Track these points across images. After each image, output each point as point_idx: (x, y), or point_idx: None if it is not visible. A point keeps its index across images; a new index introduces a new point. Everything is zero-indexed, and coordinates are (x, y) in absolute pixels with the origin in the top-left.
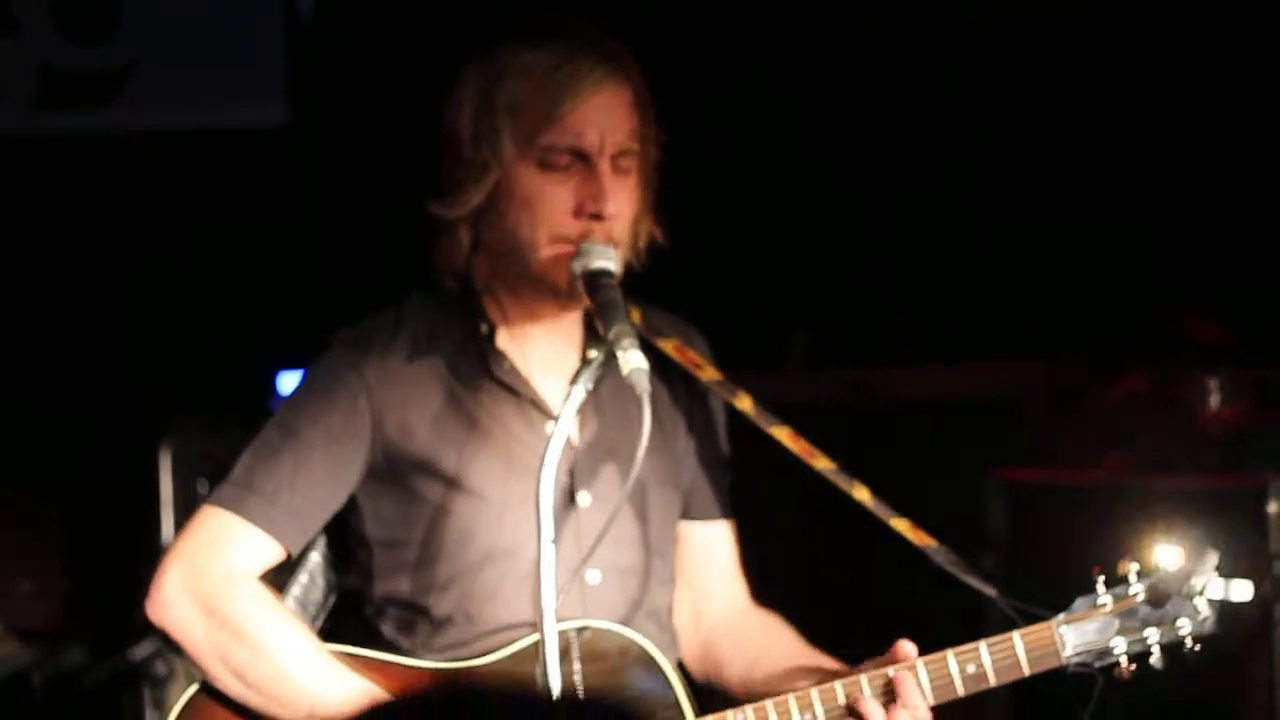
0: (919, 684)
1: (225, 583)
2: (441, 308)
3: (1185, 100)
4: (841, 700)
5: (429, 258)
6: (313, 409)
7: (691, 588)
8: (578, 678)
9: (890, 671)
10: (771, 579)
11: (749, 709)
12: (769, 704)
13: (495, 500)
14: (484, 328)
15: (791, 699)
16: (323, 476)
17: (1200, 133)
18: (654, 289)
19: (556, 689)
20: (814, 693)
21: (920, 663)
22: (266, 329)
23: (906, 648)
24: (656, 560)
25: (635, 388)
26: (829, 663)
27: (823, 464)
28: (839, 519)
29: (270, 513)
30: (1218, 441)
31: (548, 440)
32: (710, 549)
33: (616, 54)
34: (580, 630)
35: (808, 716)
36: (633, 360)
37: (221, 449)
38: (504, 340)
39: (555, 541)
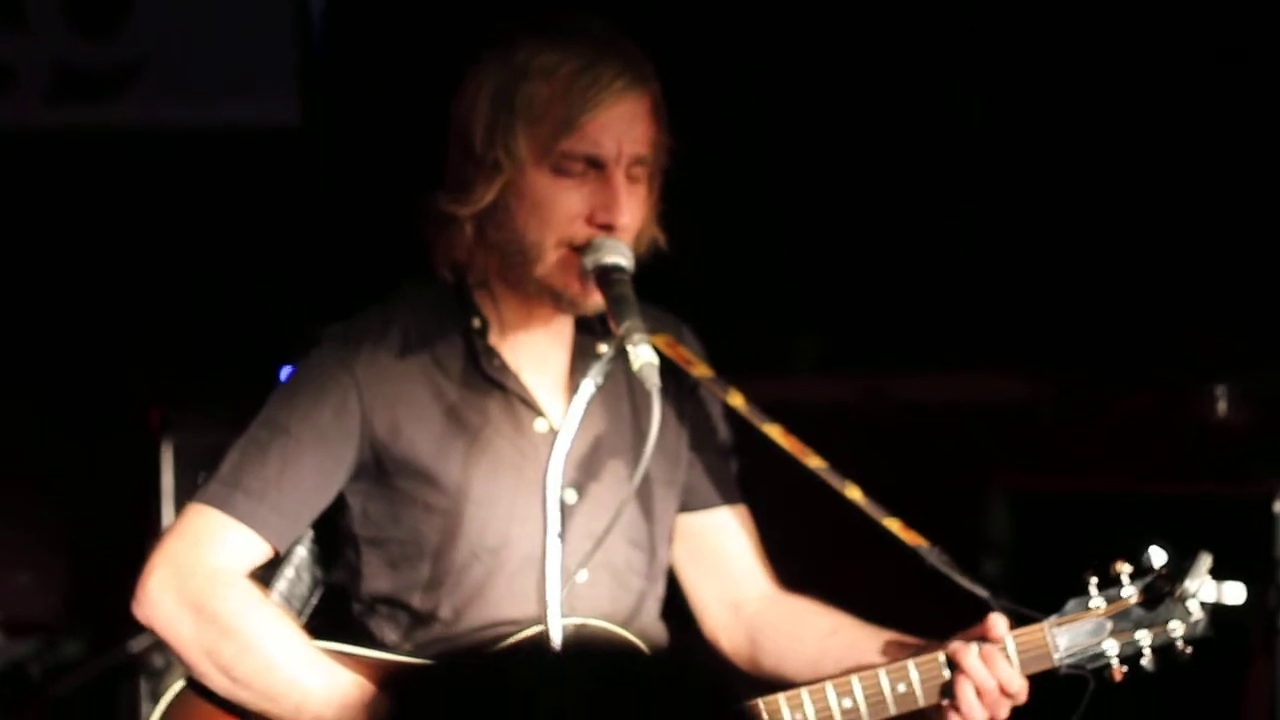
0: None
1: (213, 580)
2: (433, 301)
3: (1191, 112)
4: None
5: (426, 249)
6: (302, 406)
7: (718, 578)
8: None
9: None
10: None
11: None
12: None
13: (484, 498)
14: (476, 323)
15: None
16: (311, 474)
17: (1209, 146)
18: (662, 290)
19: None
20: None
21: (911, 663)
22: (273, 325)
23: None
24: (644, 556)
25: (646, 383)
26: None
27: (815, 462)
28: (840, 517)
29: (258, 510)
30: (1225, 450)
31: (540, 437)
32: (723, 535)
33: (638, 60)
34: (575, 628)
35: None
36: (643, 355)
37: (224, 443)
38: (495, 336)
39: (559, 538)
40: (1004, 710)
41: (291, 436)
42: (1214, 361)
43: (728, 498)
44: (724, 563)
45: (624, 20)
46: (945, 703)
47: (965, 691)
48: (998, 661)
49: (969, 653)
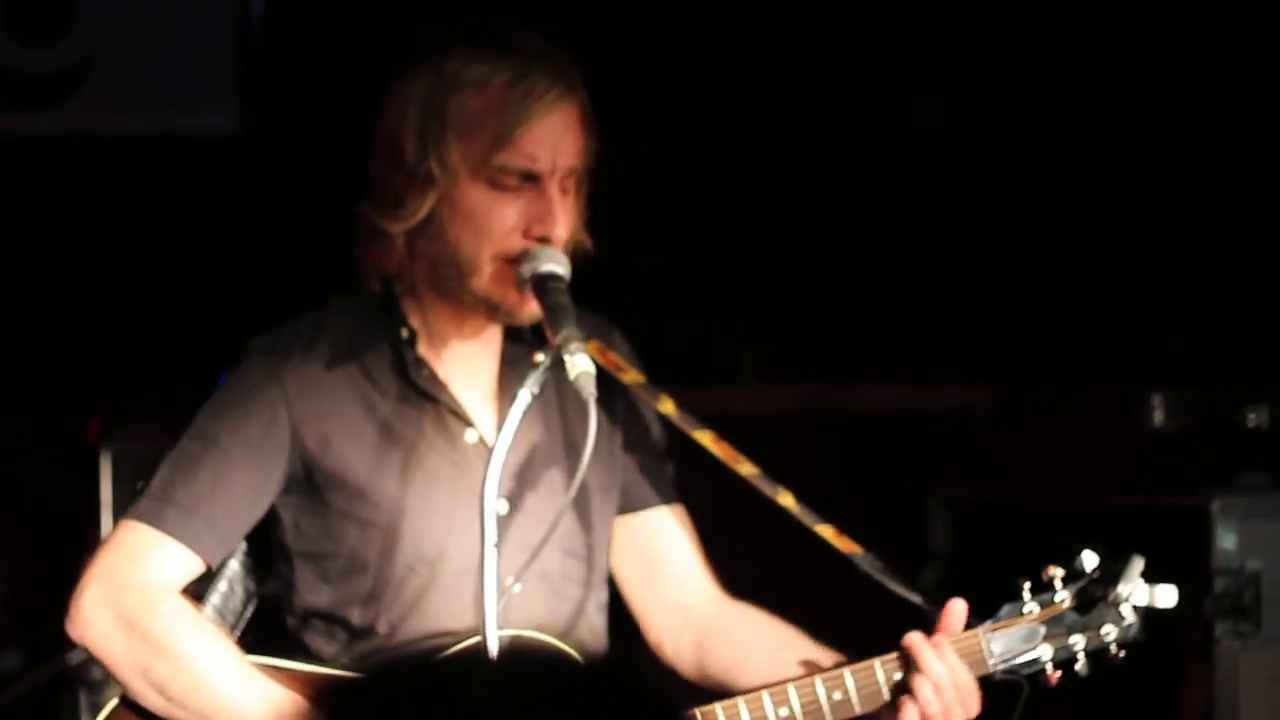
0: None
1: (145, 597)
2: (361, 312)
3: (1133, 125)
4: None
5: (355, 258)
6: (231, 419)
7: (660, 580)
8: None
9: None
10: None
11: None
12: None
13: (420, 511)
14: (405, 333)
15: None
16: (242, 488)
17: (1151, 157)
18: (604, 297)
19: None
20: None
21: (847, 671)
22: (213, 334)
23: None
24: (581, 565)
25: (582, 392)
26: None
27: (747, 469)
28: (781, 524)
29: (189, 525)
30: (1162, 459)
31: (471, 448)
32: (663, 536)
33: (567, 69)
34: (510, 639)
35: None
36: (580, 365)
37: (163, 454)
38: (424, 346)
39: (495, 549)
40: (958, 714)
41: (221, 450)
42: (1153, 369)
43: (665, 498)
44: (665, 565)
45: (561, 22)
46: (902, 698)
47: (922, 686)
48: (949, 652)
49: (923, 646)
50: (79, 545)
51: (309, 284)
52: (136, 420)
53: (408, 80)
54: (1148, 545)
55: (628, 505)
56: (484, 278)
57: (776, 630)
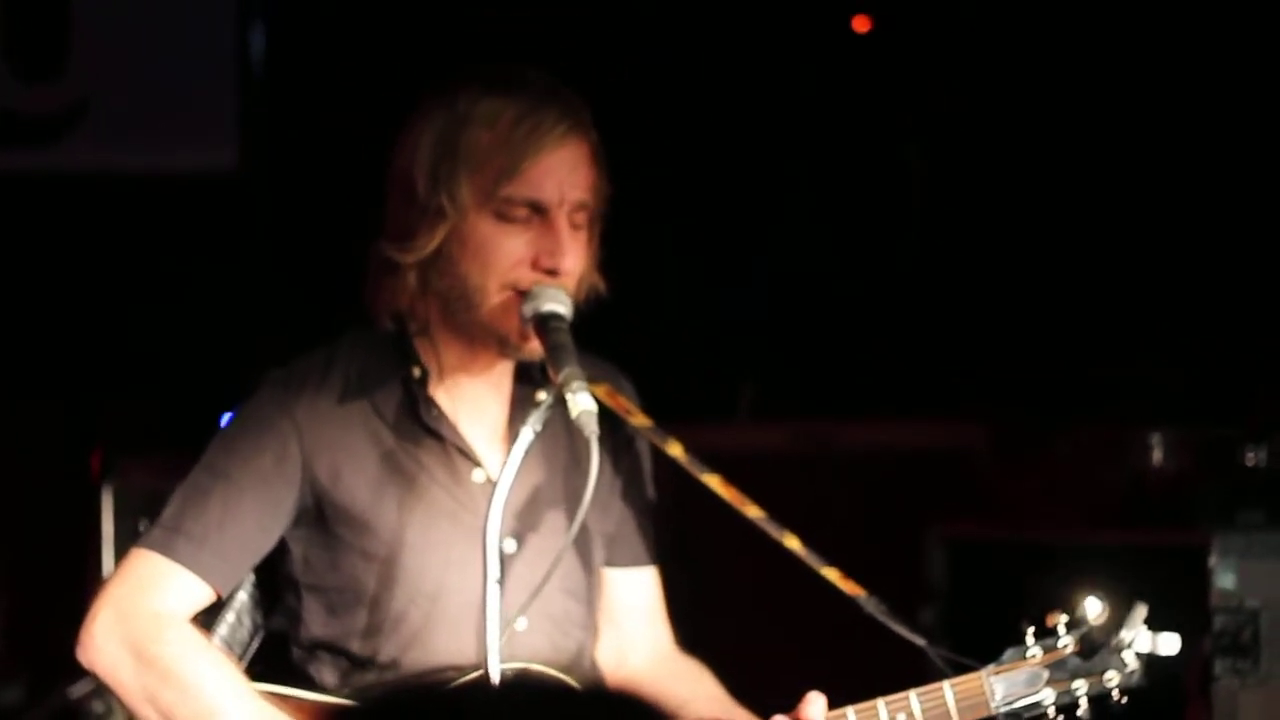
0: None
1: (155, 625)
2: (373, 348)
3: (1126, 158)
4: None
5: (368, 295)
6: (243, 451)
7: (614, 633)
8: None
9: None
10: (719, 624)
11: None
12: None
13: (420, 545)
14: (416, 372)
15: None
16: (253, 519)
17: (1140, 195)
18: (601, 339)
19: None
20: None
21: (851, 710)
22: (213, 371)
23: (810, 708)
24: (579, 606)
25: (584, 430)
26: (745, 718)
27: (753, 512)
28: (784, 565)
29: (199, 555)
30: (1160, 497)
31: (478, 487)
32: (633, 595)
33: (577, 108)
34: (515, 673)
35: None
36: (582, 403)
37: (165, 490)
38: (434, 386)
39: (498, 585)
40: None
41: (233, 481)
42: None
43: (647, 559)
44: (624, 620)
45: (564, 71)
46: None
47: None
48: None
49: None
50: (80, 581)
51: (309, 319)
52: (137, 455)
53: (421, 119)
54: (1146, 583)
55: (615, 560)
56: (490, 308)
57: (684, 688)
